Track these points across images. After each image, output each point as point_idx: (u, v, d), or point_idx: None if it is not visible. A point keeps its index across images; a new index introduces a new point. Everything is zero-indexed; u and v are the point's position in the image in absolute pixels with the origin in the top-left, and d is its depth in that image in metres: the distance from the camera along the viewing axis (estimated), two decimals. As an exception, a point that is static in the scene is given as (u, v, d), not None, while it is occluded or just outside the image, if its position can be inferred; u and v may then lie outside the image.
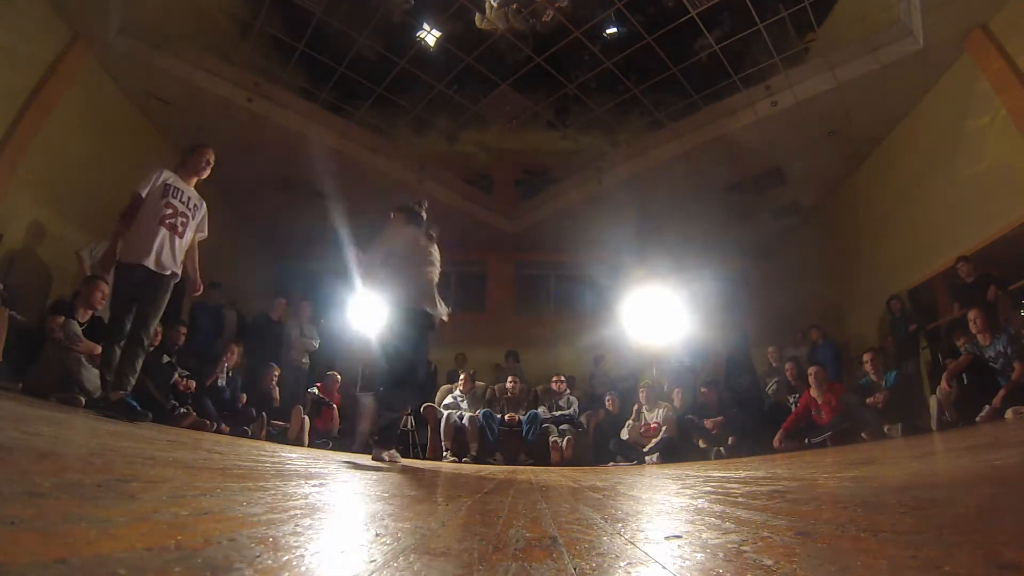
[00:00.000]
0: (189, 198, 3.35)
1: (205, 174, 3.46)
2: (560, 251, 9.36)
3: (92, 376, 3.59)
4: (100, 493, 0.74)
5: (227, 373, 5.27)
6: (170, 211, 3.22)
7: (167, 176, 3.28)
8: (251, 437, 4.84)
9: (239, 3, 6.72)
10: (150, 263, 3.14)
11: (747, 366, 6.72)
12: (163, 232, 3.19)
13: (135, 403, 3.01)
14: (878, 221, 6.82)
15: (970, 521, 0.72)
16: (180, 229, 3.27)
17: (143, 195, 3.17)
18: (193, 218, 3.37)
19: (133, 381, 3.09)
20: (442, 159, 8.36)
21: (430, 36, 6.76)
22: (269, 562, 0.49)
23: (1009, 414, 3.65)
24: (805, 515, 0.92)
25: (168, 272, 3.22)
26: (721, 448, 5.20)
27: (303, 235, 8.86)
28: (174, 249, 3.25)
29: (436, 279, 3.38)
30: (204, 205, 3.47)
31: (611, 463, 5.42)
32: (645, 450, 5.38)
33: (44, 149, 5.00)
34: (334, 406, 5.89)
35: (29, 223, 5.07)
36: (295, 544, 0.58)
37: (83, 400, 3.46)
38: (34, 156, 4.91)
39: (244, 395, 5.33)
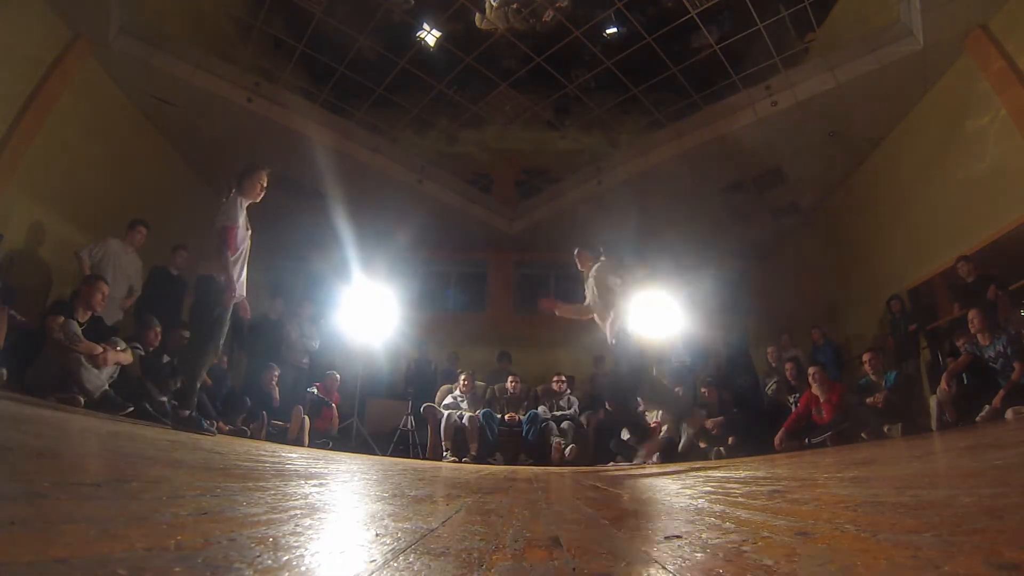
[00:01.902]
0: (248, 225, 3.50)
1: (259, 199, 3.50)
2: (560, 251, 9.34)
3: (92, 376, 3.59)
4: (100, 493, 0.74)
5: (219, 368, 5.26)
6: (249, 244, 3.41)
7: (245, 207, 3.39)
8: (251, 437, 4.84)
9: (239, 3, 6.73)
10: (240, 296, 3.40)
11: (747, 366, 6.71)
12: (244, 266, 3.40)
13: (203, 421, 3.34)
14: (878, 221, 6.82)
15: (970, 521, 0.72)
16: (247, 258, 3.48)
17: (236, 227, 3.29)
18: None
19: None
20: (442, 159, 8.36)
21: (430, 36, 6.77)
22: (269, 562, 0.49)
23: (1009, 414, 3.65)
24: (805, 515, 0.92)
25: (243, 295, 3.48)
26: (721, 448, 5.20)
27: (303, 235, 8.86)
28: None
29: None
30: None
31: (611, 463, 5.42)
32: (648, 450, 5.36)
33: (44, 149, 5.00)
34: (333, 406, 5.89)
35: (29, 223, 5.07)
36: (295, 544, 0.58)
37: (83, 400, 3.46)
38: (34, 156, 4.91)
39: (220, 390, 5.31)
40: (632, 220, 7.73)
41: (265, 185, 3.53)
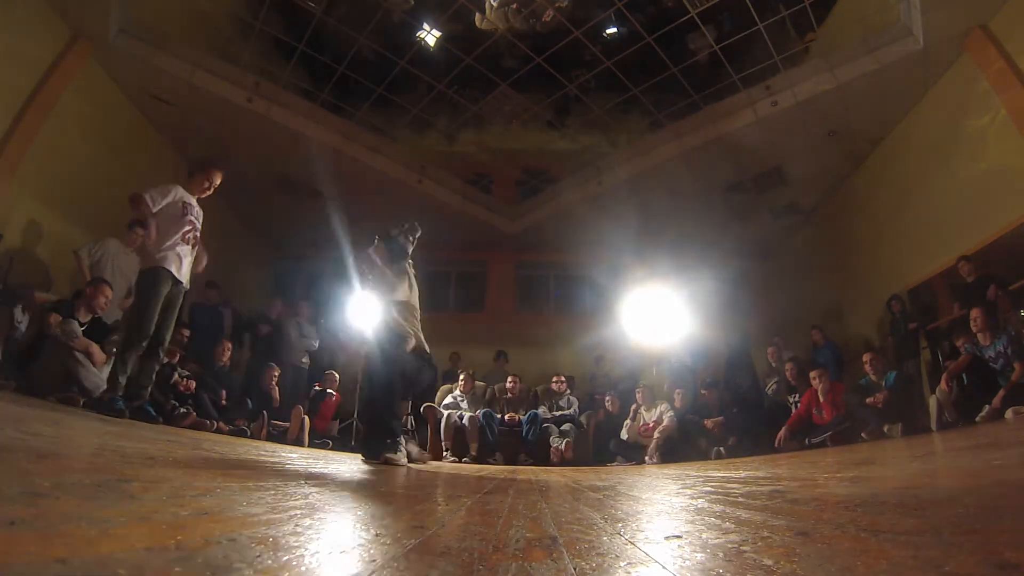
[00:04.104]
0: (198, 212, 3.66)
1: (205, 195, 3.72)
2: (560, 251, 9.36)
3: (91, 375, 3.59)
4: (100, 493, 0.74)
5: (223, 369, 5.29)
6: (189, 228, 3.53)
7: (182, 194, 3.55)
8: (251, 437, 4.84)
9: (239, 3, 6.72)
10: (177, 274, 3.44)
11: (747, 366, 6.71)
12: (184, 247, 3.50)
13: (152, 410, 3.36)
14: (878, 221, 6.82)
15: (970, 521, 0.72)
16: (194, 243, 3.59)
17: (148, 201, 3.39)
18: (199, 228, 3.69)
19: (149, 390, 3.39)
20: (442, 159, 8.36)
21: (430, 36, 6.76)
22: (269, 562, 0.49)
23: (1009, 414, 3.65)
24: (805, 515, 0.92)
25: (185, 282, 3.54)
26: (721, 448, 5.20)
27: (303, 235, 8.86)
28: (188, 262, 3.57)
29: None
30: (202, 214, 3.74)
31: (614, 462, 5.42)
32: (649, 450, 5.37)
33: (44, 149, 5.00)
34: (334, 394, 5.93)
35: (28, 223, 5.07)
36: (295, 544, 0.58)
37: (82, 400, 3.46)
38: (34, 156, 4.91)
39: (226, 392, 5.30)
40: (632, 220, 7.73)
41: (215, 184, 3.71)
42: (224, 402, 5.09)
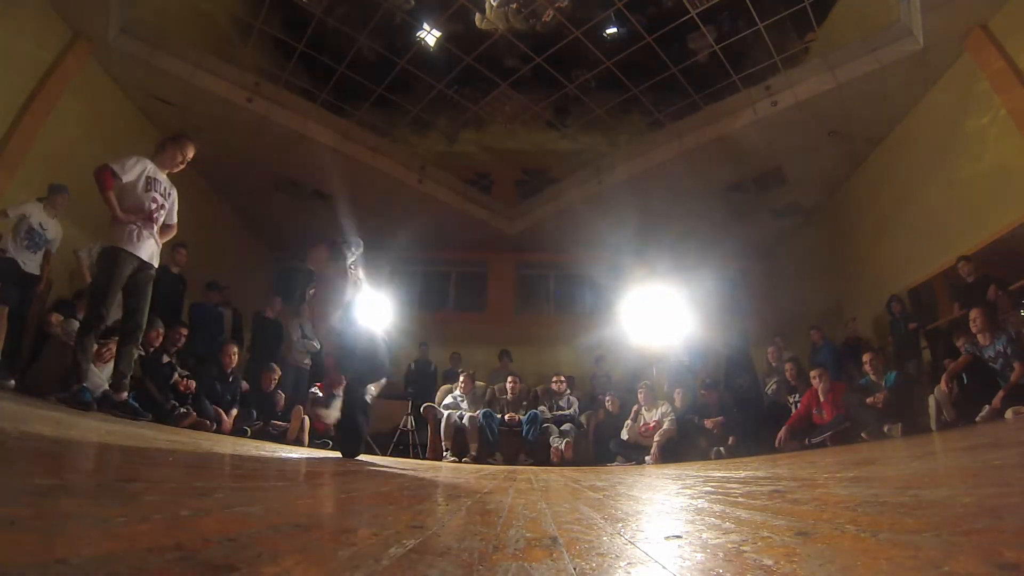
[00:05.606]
0: (165, 188, 3.42)
1: (178, 169, 3.50)
2: (560, 251, 9.36)
3: (92, 375, 3.59)
4: (100, 493, 0.74)
5: (228, 374, 5.28)
6: (154, 205, 3.30)
7: (148, 168, 3.32)
8: (251, 437, 4.85)
9: (239, 3, 6.72)
10: (142, 256, 3.23)
11: (747, 366, 6.71)
12: (150, 227, 3.29)
13: (136, 404, 3.22)
14: (878, 221, 6.82)
15: (970, 521, 0.72)
16: (158, 220, 3.36)
17: (117, 171, 3.17)
18: (167, 207, 3.45)
19: (129, 379, 3.24)
20: (442, 159, 8.36)
21: (430, 36, 6.76)
22: (269, 562, 0.49)
23: (1009, 414, 3.65)
24: (805, 515, 0.92)
25: (153, 263, 3.33)
26: (721, 448, 5.20)
27: (303, 235, 8.86)
28: (156, 240, 3.35)
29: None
30: (175, 192, 3.51)
31: (614, 462, 5.42)
32: (652, 451, 5.36)
33: (44, 149, 5.00)
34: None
35: (29, 223, 5.06)
36: (295, 544, 0.58)
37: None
38: (34, 156, 4.91)
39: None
40: (632, 220, 7.73)
41: (188, 158, 3.50)
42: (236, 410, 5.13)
